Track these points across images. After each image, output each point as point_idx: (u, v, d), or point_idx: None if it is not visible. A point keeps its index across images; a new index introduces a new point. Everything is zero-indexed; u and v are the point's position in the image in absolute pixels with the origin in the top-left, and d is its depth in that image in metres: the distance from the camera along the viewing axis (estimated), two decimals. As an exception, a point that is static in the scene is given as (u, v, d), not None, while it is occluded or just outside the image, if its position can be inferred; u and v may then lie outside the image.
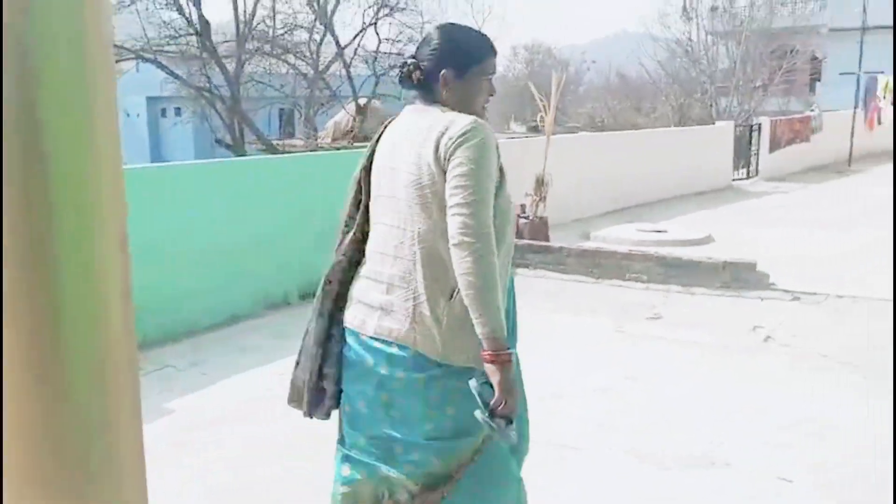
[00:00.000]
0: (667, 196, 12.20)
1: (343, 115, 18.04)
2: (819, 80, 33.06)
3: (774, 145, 15.66)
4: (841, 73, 21.79)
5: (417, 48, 1.98)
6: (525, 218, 7.84)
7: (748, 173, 15.17)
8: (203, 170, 6.19)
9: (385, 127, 2.00)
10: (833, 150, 18.18)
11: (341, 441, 2.03)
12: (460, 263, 1.71)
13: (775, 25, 25.50)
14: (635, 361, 4.69)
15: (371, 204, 1.96)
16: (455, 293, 1.78)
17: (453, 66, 1.89)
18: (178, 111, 24.01)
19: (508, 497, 1.98)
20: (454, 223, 1.72)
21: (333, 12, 17.39)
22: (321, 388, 2.00)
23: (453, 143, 1.75)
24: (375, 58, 17.76)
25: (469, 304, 1.72)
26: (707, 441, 3.57)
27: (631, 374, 4.46)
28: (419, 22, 17.66)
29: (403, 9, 17.93)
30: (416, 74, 1.91)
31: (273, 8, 17.68)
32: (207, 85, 16.69)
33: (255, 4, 17.19)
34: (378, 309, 1.87)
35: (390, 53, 17.41)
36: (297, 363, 2.03)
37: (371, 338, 1.88)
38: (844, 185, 14.48)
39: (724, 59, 26.14)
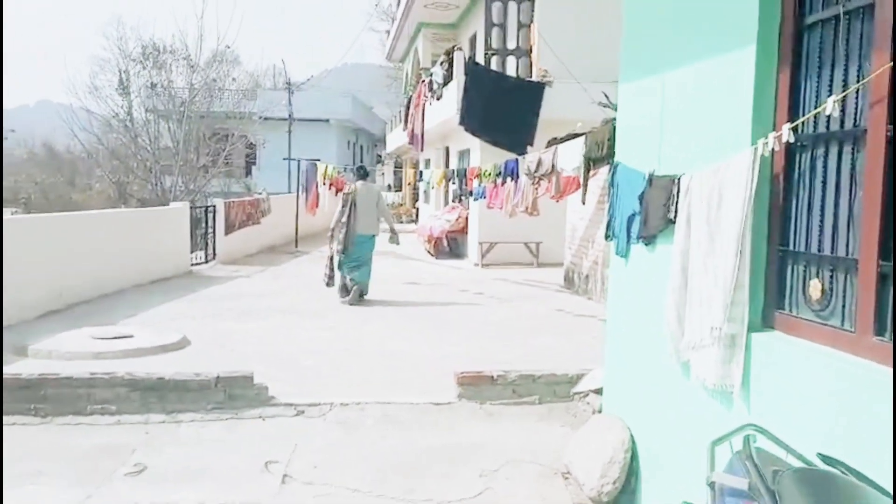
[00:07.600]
0: (122, 286, 10.53)
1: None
2: (255, 164, 35.04)
3: (230, 227, 15.28)
4: (284, 158, 22.97)
5: (358, 167, 10.96)
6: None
7: (206, 257, 14.40)
8: None
9: (355, 188, 10.09)
10: (281, 231, 18.77)
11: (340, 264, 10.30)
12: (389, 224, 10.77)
13: (213, 109, 25.96)
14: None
15: (358, 208, 9.96)
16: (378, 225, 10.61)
17: (368, 173, 10.92)
18: None
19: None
20: (387, 218, 10.64)
21: None
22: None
23: (379, 194, 10.58)
24: None
25: (392, 229, 10.70)
26: None
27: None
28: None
29: None
30: (365, 172, 10.72)
31: None
32: None
33: None
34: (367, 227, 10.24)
35: None
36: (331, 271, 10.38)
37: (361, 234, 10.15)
38: (298, 265, 14.80)
39: (165, 137, 25.49)
